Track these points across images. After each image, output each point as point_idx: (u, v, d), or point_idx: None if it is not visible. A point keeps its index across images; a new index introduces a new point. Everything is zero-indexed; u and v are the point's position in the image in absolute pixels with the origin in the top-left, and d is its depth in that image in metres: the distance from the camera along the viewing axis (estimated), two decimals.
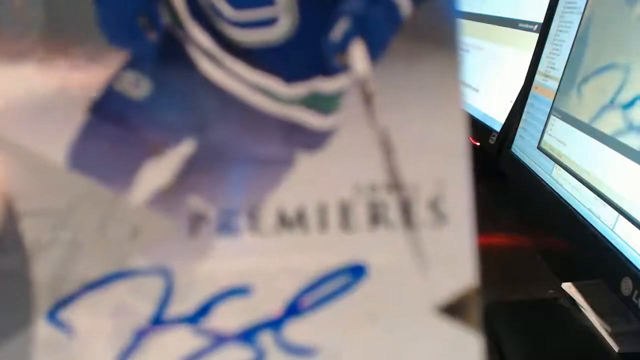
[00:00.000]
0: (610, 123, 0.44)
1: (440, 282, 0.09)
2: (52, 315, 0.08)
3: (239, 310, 0.09)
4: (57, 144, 0.08)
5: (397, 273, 0.09)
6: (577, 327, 0.47)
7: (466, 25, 0.88)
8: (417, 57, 0.09)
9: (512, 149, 0.60)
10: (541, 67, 0.58)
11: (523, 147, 0.58)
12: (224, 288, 0.09)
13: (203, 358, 0.09)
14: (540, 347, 0.45)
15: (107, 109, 0.08)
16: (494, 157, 0.64)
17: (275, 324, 0.08)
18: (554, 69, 0.55)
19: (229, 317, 0.09)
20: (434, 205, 0.08)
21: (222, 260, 0.08)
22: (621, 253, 0.39)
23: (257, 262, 0.08)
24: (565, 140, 0.50)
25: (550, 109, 0.53)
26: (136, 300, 0.08)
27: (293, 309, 0.09)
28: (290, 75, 0.08)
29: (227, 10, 0.08)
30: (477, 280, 0.09)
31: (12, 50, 0.08)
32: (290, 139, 0.09)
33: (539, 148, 0.54)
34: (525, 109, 0.59)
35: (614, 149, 0.43)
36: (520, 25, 0.70)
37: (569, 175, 0.47)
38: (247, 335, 0.08)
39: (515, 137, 0.60)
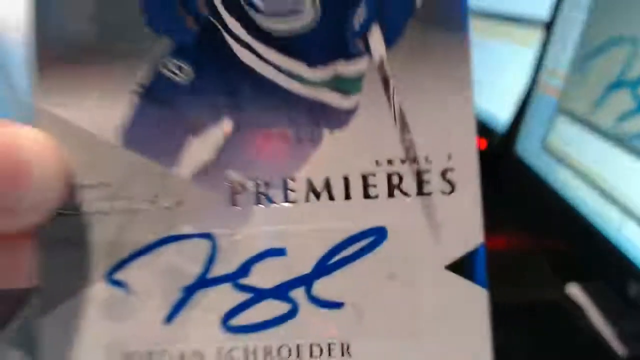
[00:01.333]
0: (618, 122, 0.43)
1: (451, 243, 0.10)
2: (110, 276, 0.10)
3: (275, 270, 0.10)
4: (112, 124, 0.10)
5: (412, 235, 0.10)
6: (582, 329, 0.46)
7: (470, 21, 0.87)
8: (431, 41, 0.10)
9: (516, 149, 0.59)
10: (546, 65, 0.58)
11: (527, 147, 0.57)
12: (261, 250, 0.10)
13: (244, 311, 0.10)
14: (543, 350, 0.44)
15: (155, 93, 0.10)
16: (498, 157, 0.64)
17: (306, 281, 0.10)
18: (560, 67, 0.54)
19: (266, 276, 0.10)
20: (444, 175, 0.10)
21: (259, 226, 0.10)
22: (628, 255, 0.38)
23: (289, 228, 0.10)
24: (571, 139, 0.49)
25: (556, 108, 0.53)
26: (184, 261, 0.10)
27: (322, 268, 0.10)
28: (315, 60, 0.10)
29: (259, 2, 0.10)
30: (483, 241, 0.10)
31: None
32: (316, 118, 0.10)
33: (544, 147, 0.53)
34: (530, 108, 0.59)
35: (620, 148, 0.42)
36: (525, 22, 0.69)
37: (574, 175, 0.47)
38: (282, 291, 0.10)
39: (519, 137, 0.59)
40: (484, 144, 0.72)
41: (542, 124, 0.55)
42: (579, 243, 0.47)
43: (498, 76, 0.73)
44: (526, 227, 0.63)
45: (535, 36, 0.63)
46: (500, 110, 0.67)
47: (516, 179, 0.59)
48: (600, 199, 0.43)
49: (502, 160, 0.62)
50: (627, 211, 0.39)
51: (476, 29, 0.84)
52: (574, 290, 0.49)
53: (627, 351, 0.42)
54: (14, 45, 0.61)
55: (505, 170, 0.61)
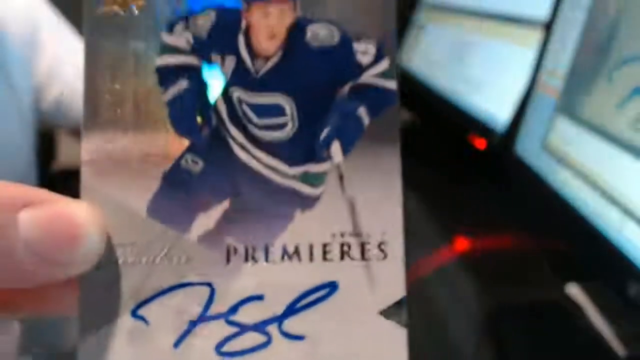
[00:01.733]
0: (620, 121, 0.43)
1: (383, 295, 0.14)
2: (134, 312, 0.13)
3: (256, 310, 0.14)
4: (141, 200, 0.13)
5: (356, 288, 0.14)
6: (582, 329, 0.46)
7: (469, 22, 0.87)
8: (373, 151, 0.14)
9: (516, 149, 0.59)
10: (546, 65, 0.58)
11: (527, 147, 0.57)
12: (246, 296, 0.14)
13: (232, 340, 0.14)
14: (543, 350, 0.44)
15: (174, 179, 0.14)
16: (497, 157, 0.64)
17: (278, 319, 0.14)
18: (560, 67, 0.54)
19: (249, 315, 0.14)
20: (379, 247, 0.14)
21: (246, 278, 0.14)
22: (628, 255, 0.38)
23: (267, 280, 0.14)
24: (570, 139, 0.49)
25: (555, 108, 0.53)
26: (190, 302, 0.14)
27: (290, 310, 0.14)
28: (293, 161, 0.14)
29: (254, 118, 0.14)
30: (404, 294, 0.14)
31: (111, 127, 0.13)
32: (291, 201, 0.14)
33: (544, 147, 0.53)
34: (530, 108, 0.59)
35: (621, 148, 0.42)
36: (524, 22, 0.69)
37: (574, 175, 0.47)
38: (260, 326, 0.14)
39: (519, 137, 0.59)
40: (484, 144, 0.72)
41: (541, 124, 0.55)
42: (579, 243, 0.47)
43: (498, 76, 0.73)
44: (526, 227, 0.63)
45: (534, 36, 0.63)
46: (499, 110, 0.67)
47: (516, 179, 0.59)
48: (601, 199, 0.43)
49: (501, 160, 0.62)
50: (627, 212, 0.39)
51: (476, 29, 0.84)
52: (574, 290, 0.49)
53: (627, 351, 0.42)
54: (13, 45, 0.61)
55: (505, 170, 0.61)
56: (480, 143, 0.74)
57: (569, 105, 0.51)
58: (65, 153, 1.03)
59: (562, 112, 0.51)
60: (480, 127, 0.70)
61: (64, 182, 0.92)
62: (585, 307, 0.48)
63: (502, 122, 0.65)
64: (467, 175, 0.82)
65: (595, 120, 0.46)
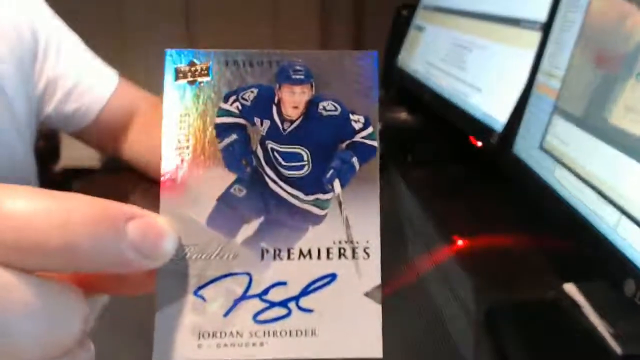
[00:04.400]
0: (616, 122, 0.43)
1: (366, 283, 0.19)
2: (196, 292, 0.19)
3: (281, 292, 0.19)
4: (202, 214, 0.19)
5: (349, 278, 0.19)
6: (579, 328, 0.46)
7: (468, 23, 0.87)
8: (360, 186, 0.19)
9: (514, 149, 0.59)
10: (544, 66, 0.58)
11: (525, 147, 0.57)
12: (274, 282, 0.19)
13: (264, 312, 0.19)
14: (541, 349, 0.45)
15: (226, 201, 0.19)
16: (496, 157, 0.64)
17: (296, 298, 0.19)
18: (557, 67, 0.54)
19: (276, 295, 0.19)
20: (365, 250, 0.19)
21: (274, 270, 0.19)
22: (624, 254, 0.39)
23: (289, 272, 0.19)
24: (568, 140, 0.49)
25: (553, 109, 0.53)
26: (235, 286, 0.19)
27: (304, 292, 0.19)
28: (307, 191, 0.19)
29: (282, 161, 0.20)
30: (379, 282, 0.19)
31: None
32: (306, 219, 0.19)
33: (541, 148, 0.54)
34: (528, 109, 0.59)
35: (617, 148, 0.42)
36: (522, 23, 0.69)
37: (571, 175, 0.47)
38: (284, 303, 0.19)
39: (517, 137, 0.59)
40: (482, 144, 0.72)
41: (539, 124, 0.55)
42: (576, 242, 0.47)
43: (496, 77, 0.73)
44: (524, 226, 0.63)
45: (533, 38, 0.63)
46: (498, 110, 0.68)
47: (514, 179, 0.59)
48: (597, 199, 0.43)
49: (500, 161, 0.62)
50: (623, 210, 0.40)
51: (475, 30, 0.85)
52: (572, 289, 0.50)
53: (624, 350, 0.43)
54: (11, 75, 0.61)
55: (504, 171, 0.62)
56: (478, 143, 0.74)
57: (567, 105, 0.51)
58: (67, 155, 1.04)
59: (560, 113, 0.52)
60: (479, 127, 0.70)
61: (65, 181, 0.93)
62: (583, 305, 0.48)
63: (501, 122, 0.66)
64: (465, 175, 0.82)
65: (592, 120, 0.47)
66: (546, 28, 0.59)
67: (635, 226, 0.38)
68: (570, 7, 0.55)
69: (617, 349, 0.43)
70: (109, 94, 0.66)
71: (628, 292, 0.38)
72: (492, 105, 0.70)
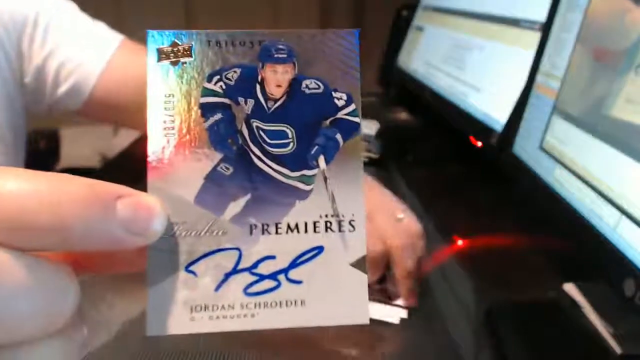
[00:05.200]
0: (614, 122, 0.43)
1: (352, 254, 0.20)
2: (187, 267, 0.19)
3: (270, 266, 0.19)
4: (190, 193, 0.19)
5: (335, 250, 0.20)
6: (579, 328, 0.46)
7: (468, 24, 0.87)
8: (344, 161, 0.20)
9: (514, 149, 0.59)
10: (543, 66, 0.58)
11: (525, 147, 0.57)
12: (263, 256, 0.19)
13: (254, 285, 0.19)
14: (541, 349, 0.45)
15: (213, 179, 0.19)
16: (496, 157, 0.64)
17: (285, 271, 0.19)
18: (557, 68, 0.54)
19: (265, 268, 0.19)
20: (350, 223, 0.20)
21: (262, 245, 0.19)
22: (624, 254, 0.39)
23: (277, 246, 0.20)
24: (567, 140, 0.49)
25: (553, 109, 0.53)
26: (225, 261, 0.19)
27: (293, 265, 0.19)
28: (293, 168, 0.20)
29: (267, 139, 0.20)
30: (365, 253, 0.20)
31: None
32: (292, 194, 0.20)
33: (541, 148, 0.54)
34: (527, 109, 0.59)
35: (616, 148, 0.42)
36: (522, 24, 0.69)
37: (571, 175, 0.47)
38: (273, 276, 0.19)
39: (517, 137, 0.59)
40: (482, 144, 0.72)
41: (539, 124, 0.55)
42: (576, 242, 0.47)
43: (496, 77, 0.73)
44: (524, 226, 0.63)
45: (532, 38, 0.63)
46: (498, 111, 0.68)
47: (514, 179, 0.59)
48: (597, 198, 0.43)
49: (500, 161, 0.62)
50: (623, 210, 0.40)
51: (475, 30, 0.85)
52: (572, 289, 0.50)
53: (624, 350, 0.43)
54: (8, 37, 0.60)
55: (503, 171, 0.62)
56: (478, 143, 0.74)
57: (566, 105, 0.51)
58: (67, 155, 1.04)
59: (559, 113, 0.52)
60: (479, 127, 0.70)
61: None
62: (583, 305, 0.48)
63: (500, 122, 0.66)
64: (465, 175, 0.82)
65: (591, 120, 0.47)
66: (546, 28, 0.59)
67: (635, 226, 0.38)
68: (570, 8, 0.55)
69: (617, 348, 0.43)
70: (101, 65, 0.64)
71: (628, 292, 0.38)
72: (492, 106, 0.70)
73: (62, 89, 0.64)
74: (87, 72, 0.64)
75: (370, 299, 0.20)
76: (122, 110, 0.65)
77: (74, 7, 0.66)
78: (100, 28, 0.67)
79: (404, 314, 0.48)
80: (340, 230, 0.20)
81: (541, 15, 0.61)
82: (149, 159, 0.19)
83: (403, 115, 1.11)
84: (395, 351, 0.47)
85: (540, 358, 0.45)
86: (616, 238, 0.40)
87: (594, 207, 0.43)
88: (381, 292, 0.51)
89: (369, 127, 0.87)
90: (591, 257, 0.45)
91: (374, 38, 1.41)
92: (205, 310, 0.19)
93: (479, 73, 0.78)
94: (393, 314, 0.48)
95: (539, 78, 0.58)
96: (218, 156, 0.19)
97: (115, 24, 0.68)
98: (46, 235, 0.16)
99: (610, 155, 0.43)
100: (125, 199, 0.17)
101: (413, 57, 1.09)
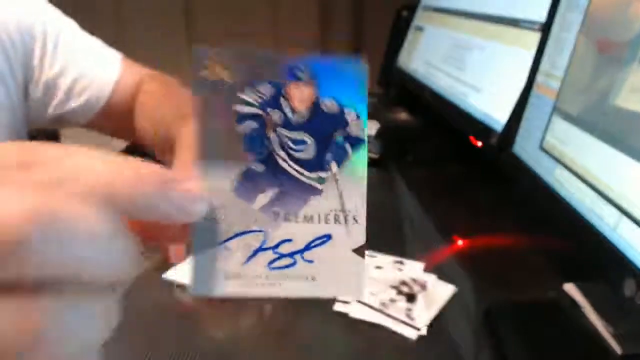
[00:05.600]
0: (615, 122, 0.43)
1: (354, 242, 0.24)
2: (223, 244, 0.23)
3: (289, 247, 0.24)
4: (228, 185, 0.24)
5: (341, 237, 0.24)
6: (579, 328, 0.46)
7: (468, 24, 0.87)
8: (351, 167, 0.24)
9: (514, 149, 0.59)
10: (543, 66, 0.58)
11: (525, 147, 0.57)
12: (283, 239, 0.24)
13: (276, 262, 0.24)
14: (541, 348, 0.45)
15: (247, 175, 0.24)
16: (496, 157, 0.64)
17: (301, 252, 0.24)
18: (556, 68, 0.54)
19: (285, 249, 0.24)
20: (354, 218, 0.24)
21: (283, 230, 0.24)
22: (624, 254, 0.39)
23: (295, 230, 0.24)
24: (567, 140, 0.49)
25: (553, 109, 0.53)
26: (253, 240, 0.23)
27: (307, 247, 0.24)
28: (311, 169, 0.24)
29: (292, 145, 0.24)
30: (365, 242, 0.24)
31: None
32: (309, 191, 0.24)
33: (541, 148, 0.54)
34: (527, 109, 0.59)
35: (616, 148, 0.42)
36: (522, 24, 0.69)
37: (571, 175, 0.47)
38: (291, 255, 0.24)
39: (517, 137, 0.59)
40: (482, 144, 0.72)
41: (539, 124, 0.55)
42: (576, 242, 0.47)
43: (496, 77, 0.73)
44: (524, 226, 0.63)
45: (532, 38, 0.63)
46: (498, 111, 0.68)
47: (514, 179, 0.59)
48: (597, 198, 0.43)
49: (500, 161, 0.62)
50: (623, 210, 0.40)
51: (475, 31, 0.85)
52: (572, 289, 0.50)
53: (624, 349, 0.43)
54: (14, 48, 0.61)
55: (503, 171, 0.62)
56: (478, 143, 0.74)
57: (566, 105, 0.51)
58: None
59: (559, 113, 0.52)
60: (479, 127, 0.70)
61: None
62: (583, 305, 0.48)
63: (500, 122, 0.66)
64: (465, 175, 0.82)
65: (591, 119, 0.47)
66: (546, 28, 0.59)
67: (635, 226, 0.38)
68: (570, 8, 0.55)
69: (617, 348, 0.43)
70: (112, 83, 0.66)
71: (628, 292, 0.38)
72: (492, 106, 0.70)
73: (73, 103, 0.66)
74: (99, 88, 0.66)
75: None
76: (125, 123, 0.67)
77: (75, 24, 0.68)
78: (100, 44, 0.69)
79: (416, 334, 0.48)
80: (345, 223, 0.24)
81: (541, 15, 0.61)
82: (195, 156, 0.24)
83: (403, 115, 1.11)
84: (395, 351, 0.47)
85: (540, 358, 0.45)
86: (616, 238, 0.40)
87: (594, 207, 0.43)
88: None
89: (369, 127, 0.87)
90: (591, 257, 0.45)
91: (374, 38, 1.41)
92: (236, 278, 0.24)
93: (479, 73, 0.78)
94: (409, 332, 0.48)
95: (539, 78, 0.58)
96: (251, 157, 0.24)
97: (116, 24, 0.68)
98: (130, 203, 0.20)
99: (610, 155, 0.43)
100: (179, 184, 0.21)
101: (413, 57, 1.09)
